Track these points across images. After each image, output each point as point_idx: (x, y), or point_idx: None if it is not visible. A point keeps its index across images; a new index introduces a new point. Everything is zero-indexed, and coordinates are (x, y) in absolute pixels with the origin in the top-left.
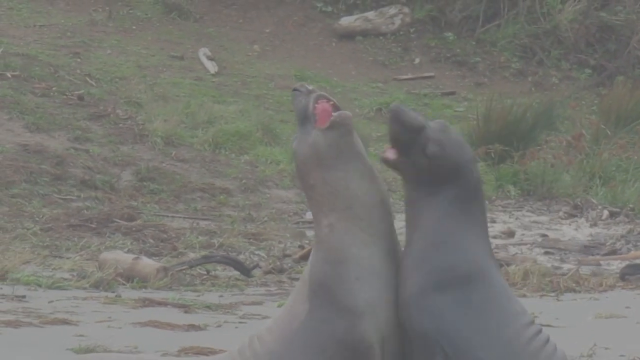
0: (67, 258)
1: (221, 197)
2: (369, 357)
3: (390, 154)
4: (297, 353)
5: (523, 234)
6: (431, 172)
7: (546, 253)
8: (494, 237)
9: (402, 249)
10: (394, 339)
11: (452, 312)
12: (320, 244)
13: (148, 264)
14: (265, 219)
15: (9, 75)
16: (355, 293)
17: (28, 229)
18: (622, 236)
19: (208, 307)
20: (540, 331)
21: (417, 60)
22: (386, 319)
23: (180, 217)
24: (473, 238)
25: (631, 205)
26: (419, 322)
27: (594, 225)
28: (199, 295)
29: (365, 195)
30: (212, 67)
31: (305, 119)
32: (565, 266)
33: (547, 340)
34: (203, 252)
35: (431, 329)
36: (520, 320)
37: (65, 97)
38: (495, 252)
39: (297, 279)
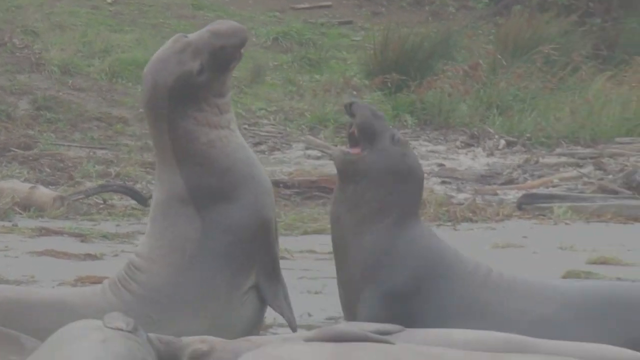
0: None
1: (118, 126)
2: (269, 230)
3: (357, 150)
4: (196, 265)
5: (420, 163)
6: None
7: (443, 182)
8: None
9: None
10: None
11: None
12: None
13: (45, 193)
14: None
15: None
16: (261, 173)
17: None
18: (518, 166)
19: (105, 236)
20: (478, 264)
21: None
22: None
23: (77, 146)
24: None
25: (528, 135)
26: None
27: (491, 154)
28: (95, 225)
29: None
30: None
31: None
32: (462, 196)
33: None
34: (100, 181)
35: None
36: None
37: None
38: None
39: None
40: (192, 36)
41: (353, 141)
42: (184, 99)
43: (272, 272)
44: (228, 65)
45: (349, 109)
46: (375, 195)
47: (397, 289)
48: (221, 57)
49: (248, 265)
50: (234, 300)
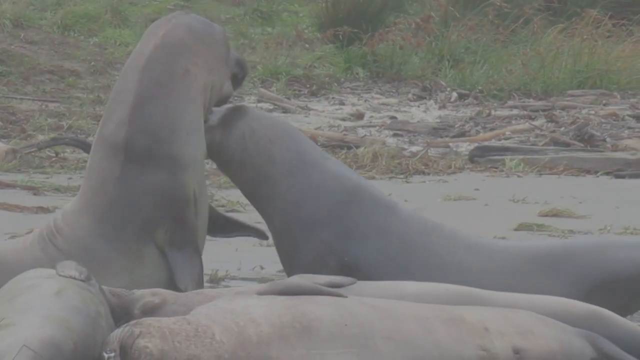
0: None
1: (70, 79)
2: (186, 208)
3: None
4: (112, 215)
5: (372, 116)
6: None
7: (395, 135)
8: (343, 119)
9: None
10: (203, 196)
11: (341, 241)
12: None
13: None
14: None
15: None
16: (183, 146)
17: None
18: (470, 118)
19: (57, 189)
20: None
21: None
22: (201, 174)
23: (29, 99)
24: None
25: (480, 88)
26: (309, 254)
27: (443, 107)
28: (47, 178)
29: None
30: None
31: None
32: (414, 148)
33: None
34: (52, 134)
35: (319, 258)
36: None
37: None
38: (345, 134)
39: None
40: None
41: None
42: None
43: (183, 247)
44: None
45: None
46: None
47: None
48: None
49: (154, 229)
50: (146, 259)
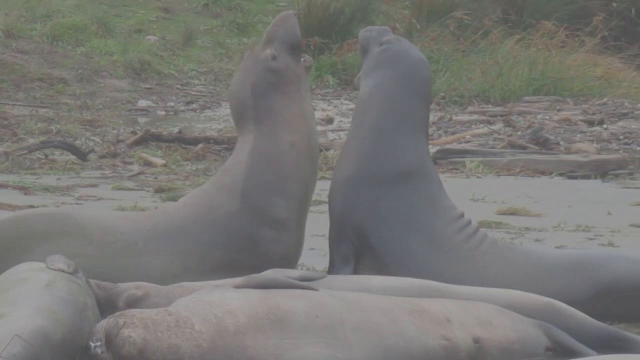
0: None
1: (58, 86)
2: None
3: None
4: (211, 236)
5: (341, 121)
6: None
7: None
8: None
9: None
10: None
11: (375, 205)
12: (268, 154)
13: None
14: (100, 106)
15: None
16: (290, 210)
17: None
18: (433, 123)
19: (46, 189)
20: (469, 222)
21: None
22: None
23: (20, 104)
24: (412, 136)
25: (442, 94)
26: (339, 207)
27: None
28: (38, 178)
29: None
30: None
31: None
32: None
33: (477, 230)
34: (42, 138)
35: (347, 216)
36: (450, 213)
37: None
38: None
39: (130, 163)
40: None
41: None
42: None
43: None
44: (295, 49)
45: None
46: None
47: None
48: (286, 40)
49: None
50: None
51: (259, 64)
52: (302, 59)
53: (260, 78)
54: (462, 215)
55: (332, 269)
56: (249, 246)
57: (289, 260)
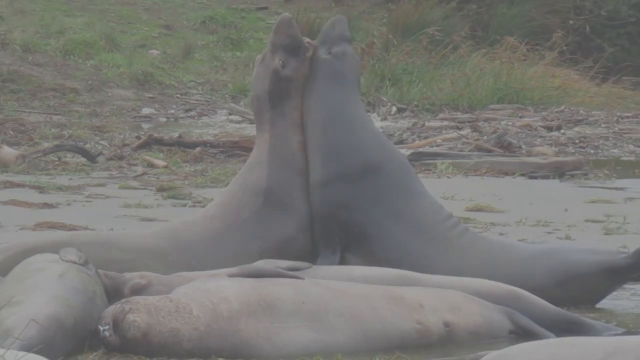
0: None
1: (70, 95)
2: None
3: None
4: (241, 236)
5: None
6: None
7: None
8: None
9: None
10: None
11: (357, 199)
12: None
13: (9, 152)
14: (108, 114)
15: None
16: (306, 202)
17: None
18: (408, 128)
19: (59, 188)
20: (450, 215)
21: None
22: None
23: (36, 112)
24: (365, 131)
25: (415, 103)
26: (319, 207)
27: (385, 119)
28: (51, 178)
29: None
30: None
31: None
32: None
33: (451, 215)
34: (55, 142)
35: (328, 215)
36: (427, 199)
37: None
38: None
39: (135, 164)
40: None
41: None
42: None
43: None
44: (299, 51)
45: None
46: None
47: None
48: (290, 46)
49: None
50: None
51: (272, 74)
52: (307, 54)
53: (275, 87)
54: (435, 202)
55: (320, 259)
56: (278, 237)
57: (310, 248)
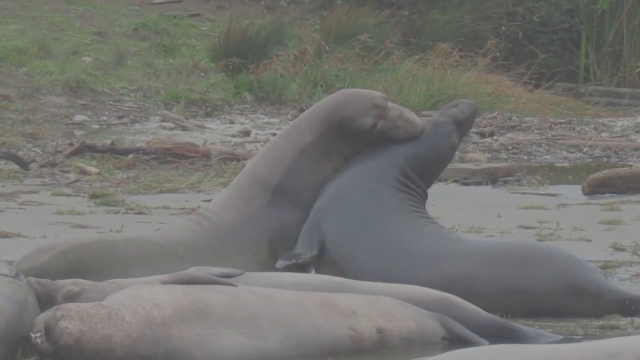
0: None
1: (3, 102)
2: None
3: None
4: (252, 227)
5: (257, 133)
6: None
7: None
8: (233, 135)
9: None
10: None
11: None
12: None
13: None
14: (40, 121)
15: None
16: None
17: None
18: None
19: None
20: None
21: None
22: None
23: None
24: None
25: None
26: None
27: None
28: None
29: None
30: None
31: None
32: None
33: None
34: None
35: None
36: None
37: None
38: (234, 149)
39: (68, 171)
40: (390, 105)
41: None
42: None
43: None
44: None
45: None
46: None
47: None
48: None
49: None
50: None
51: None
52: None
53: (369, 129)
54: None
55: (294, 251)
56: (286, 228)
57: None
